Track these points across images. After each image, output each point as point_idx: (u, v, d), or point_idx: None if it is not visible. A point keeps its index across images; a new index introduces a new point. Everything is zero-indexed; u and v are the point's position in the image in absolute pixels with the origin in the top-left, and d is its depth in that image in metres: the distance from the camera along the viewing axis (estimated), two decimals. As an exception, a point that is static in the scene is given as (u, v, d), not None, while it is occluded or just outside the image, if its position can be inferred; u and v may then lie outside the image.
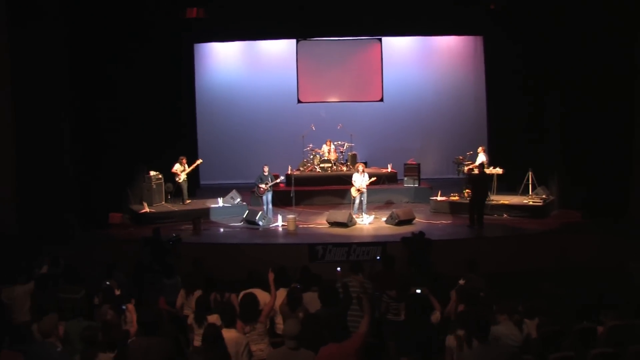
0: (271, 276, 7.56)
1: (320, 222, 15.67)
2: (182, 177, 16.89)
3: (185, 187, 17.08)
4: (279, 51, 21.58)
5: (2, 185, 14.44)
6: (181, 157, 17.05)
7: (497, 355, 5.74)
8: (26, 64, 14.37)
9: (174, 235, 12.76)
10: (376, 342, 7.66)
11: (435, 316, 7.49)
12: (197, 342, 7.06)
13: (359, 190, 15.66)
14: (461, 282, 7.93)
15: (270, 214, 16.06)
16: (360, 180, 15.65)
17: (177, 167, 16.88)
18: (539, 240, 13.85)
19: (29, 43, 14.40)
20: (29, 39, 14.39)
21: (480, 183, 14.86)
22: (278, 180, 16.43)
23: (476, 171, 15.28)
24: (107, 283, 8.60)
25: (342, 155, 19.87)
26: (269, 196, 16.16)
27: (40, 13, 14.53)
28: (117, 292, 8.15)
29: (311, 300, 7.74)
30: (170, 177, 17.28)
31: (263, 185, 16.05)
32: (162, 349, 6.00)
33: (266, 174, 16.21)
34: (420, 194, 18.23)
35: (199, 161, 17.50)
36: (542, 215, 15.53)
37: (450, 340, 6.38)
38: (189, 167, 17.11)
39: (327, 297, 7.00)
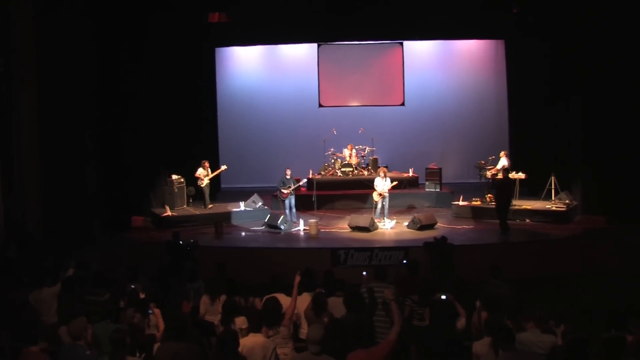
0: (297, 279, 7.55)
1: (342, 227, 15.67)
2: (205, 181, 16.88)
3: (207, 191, 17.06)
4: (300, 55, 21.66)
5: (29, 190, 14.61)
6: (204, 161, 17.07)
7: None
8: (52, 68, 14.54)
9: (191, 240, 12.82)
10: (400, 348, 7.62)
11: (461, 322, 7.44)
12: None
13: (380, 194, 15.62)
14: (479, 304, 7.81)
15: (293, 218, 16.06)
16: (382, 184, 15.59)
17: (200, 172, 16.90)
18: (562, 246, 13.69)
19: (56, 47, 14.57)
20: (56, 43, 14.56)
21: (504, 188, 14.73)
22: (300, 184, 16.39)
23: (500, 176, 15.16)
24: (132, 287, 8.66)
25: (364, 159, 19.85)
26: (292, 200, 16.13)
27: (67, 14, 14.71)
28: (142, 296, 8.19)
29: (336, 305, 7.73)
30: (192, 180, 17.37)
31: (285, 190, 16.02)
32: (191, 353, 6.04)
33: (288, 177, 16.19)
34: (442, 199, 18.16)
35: (223, 167, 17.42)
36: (565, 221, 15.37)
37: (477, 347, 6.36)
38: (212, 172, 17.13)
39: (353, 303, 6.98)
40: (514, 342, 5.80)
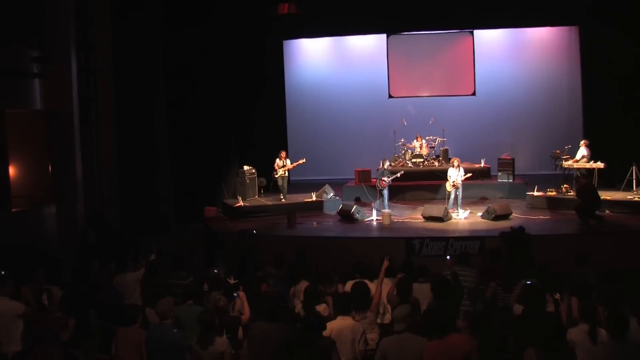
0: (385, 264, 7.54)
1: (414, 217, 15.51)
2: (279, 172, 16.70)
3: (281, 183, 16.81)
4: (369, 46, 21.56)
5: (107, 181, 15.05)
6: (281, 152, 16.97)
7: (635, 355, 5.45)
8: (127, 62, 14.94)
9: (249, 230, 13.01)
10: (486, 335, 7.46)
11: (550, 309, 7.25)
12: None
13: (454, 185, 15.38)
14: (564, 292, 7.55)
15: (385, 207, 15.93)
16: (456, 174, 15.33)
17: (277, 162, 16.72)
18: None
19: (130, 42, 14.96)
20: (130, 39, 14.95)
21: (588, 193, 14.15)
22: (398, 175, 16.22)
23: (582, 181, 14.61)
24: (215, 271, 8.75)
25: (434, 150, 19.61)
26: (387, 189, 16.04)
27: (139, 11, 15.06)
28: (232, 281, 8.26)
29: (419, 290, 7.65)
30: (262, 172, 17.53)
31: (385, 178, 15.89)
32: (281, 333, 6.08)
33: (385, 168, 16.14)
34: (515, 190, 17.78)
35: (302, 160, 16.96)
36: (649, 212, 14.79)
37: (572, 335, 6.15)
38: (290, 163, 16.90)
39: (441, 289, 6.87)
40: (627, 330, 5.55)
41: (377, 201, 16.10)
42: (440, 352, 5.61)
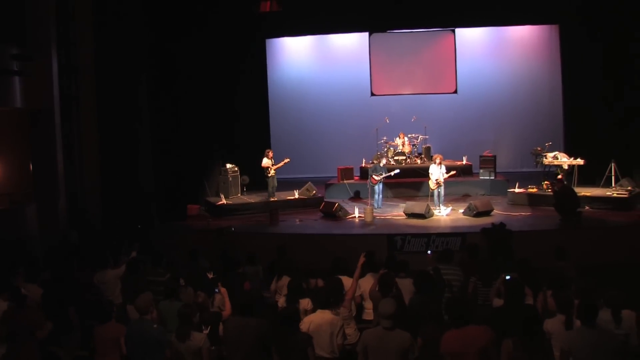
0: (361, 260, 7.53)
1: (396, 214, 15.56)
2: (272, 172, 16.39)
3: (272, 182, 16.59)
4: (351, 45, 21.62)
5: (89, 180, 14.97)
6: (267, 150, 16.70)
7: (604, 341, 5.55)
8: (108, 60, 14.87)
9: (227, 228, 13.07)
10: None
11: (528, 301, 7.32)
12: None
13: (437, 183, 15.44)
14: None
15: (380, 203, 16.18)
16: (438, 172, 15.41)
17: (266, 161, 16.38)
18: (627, 233, 13.25)
19: (112, 39, 14.90)
20: (112, 36, 14.89)
21: (565, 193, 14.26)
22: (392, 173, 16.27)
23: (558, 185, 14.71)
24: (194, 267, 8.73)
25: (416, 148, 19.68)
26: (380, 186, 16.21)
27: (122, 8, 15.01)
28: (210, 276, 8.26)
29: (399, 285, 7.66)
30: (246, 170, 17.50)
31: (376, 177, 16.03)
32: (256, 327, 6.10)
33: (381, 165, 16.28)
34: (496, 187, 17.88)
35: (286, 160, 16.63)
36: (627, 208, 14.83)
37: (549, 325, 6.24)
38: (275, 162, 16.56)
39: (423, 284, 6.90)
40: (595, 318, 5.66)
41: (377, 197, 16.20)
42: (456, 342, 5.63)
